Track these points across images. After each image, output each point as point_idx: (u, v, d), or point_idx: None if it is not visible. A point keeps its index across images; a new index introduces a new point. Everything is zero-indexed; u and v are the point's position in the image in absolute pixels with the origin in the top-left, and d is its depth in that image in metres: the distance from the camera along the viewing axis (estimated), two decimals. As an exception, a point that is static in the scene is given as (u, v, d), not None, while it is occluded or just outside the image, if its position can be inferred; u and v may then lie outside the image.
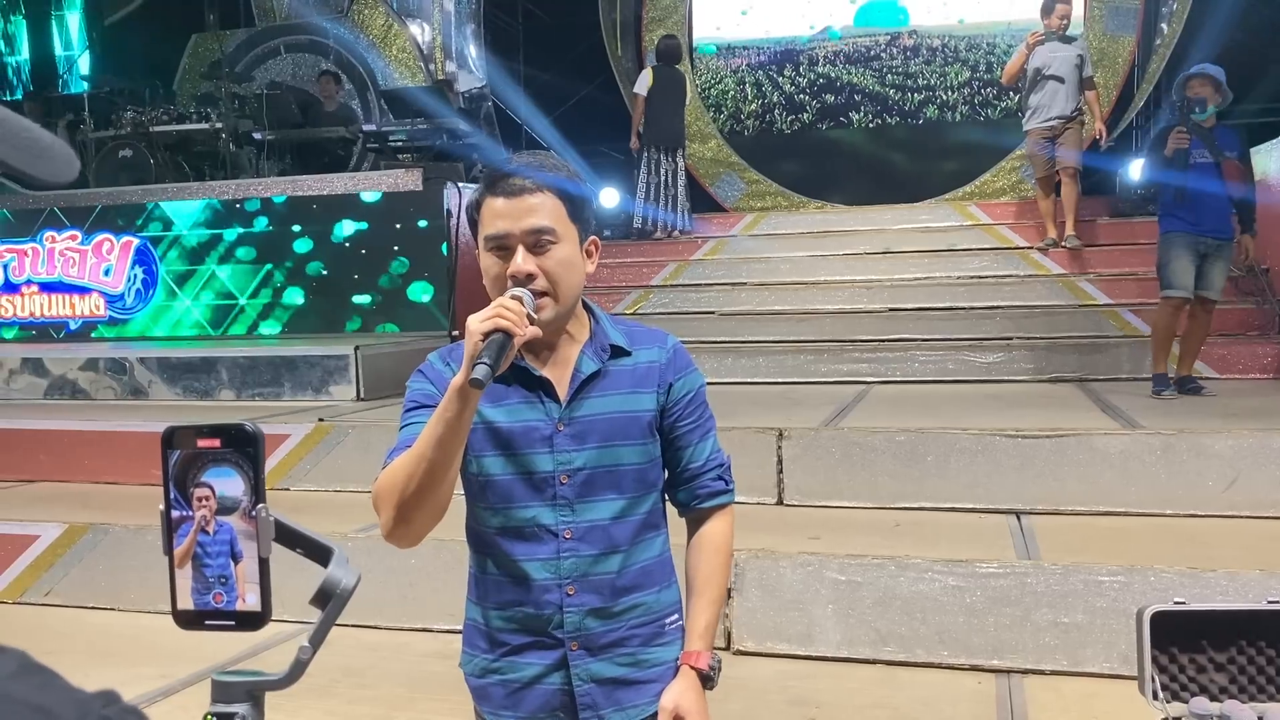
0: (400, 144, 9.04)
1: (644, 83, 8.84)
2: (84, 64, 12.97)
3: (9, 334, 8.44)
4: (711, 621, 1.70)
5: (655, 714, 1.66)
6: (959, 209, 8.95)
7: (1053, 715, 3.15)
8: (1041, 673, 3.45)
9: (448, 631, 3.99)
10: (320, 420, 5.45)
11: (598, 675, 1.64)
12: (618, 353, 1.67)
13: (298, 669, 1.04)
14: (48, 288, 8.33)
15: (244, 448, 0.98)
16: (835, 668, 3.59)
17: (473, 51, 11.17)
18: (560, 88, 11.00)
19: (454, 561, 4.10)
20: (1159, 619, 2.09)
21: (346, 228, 7.64)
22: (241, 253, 7.88)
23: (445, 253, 7.40)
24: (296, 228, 7.76)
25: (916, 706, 3.26)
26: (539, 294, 1.54)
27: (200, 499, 0.99)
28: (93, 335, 8.20)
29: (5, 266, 8.42)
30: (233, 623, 1.02)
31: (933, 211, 9.05)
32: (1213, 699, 2.06)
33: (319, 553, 1.05)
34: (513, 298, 1.48)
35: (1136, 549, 3.73)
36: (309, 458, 5.31)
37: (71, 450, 5.73)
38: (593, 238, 1.66)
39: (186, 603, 1.02)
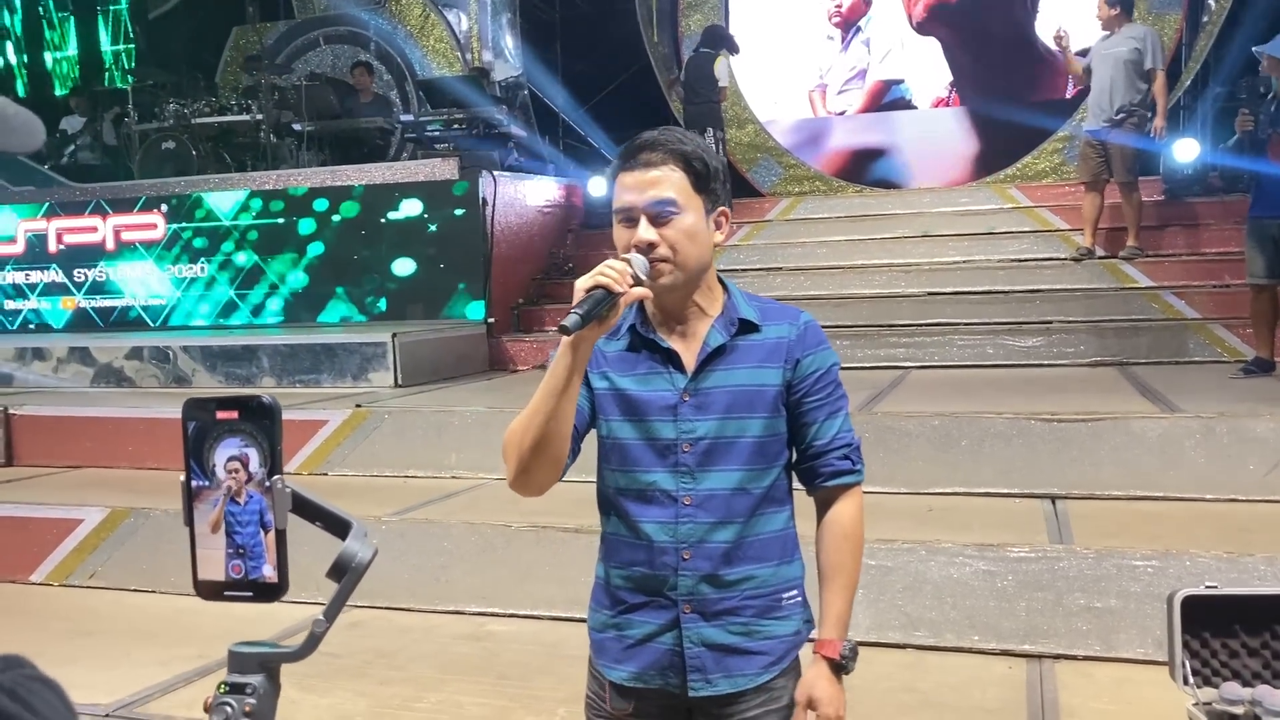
0: (437, 134, 9.09)
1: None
2: (128, 58, 13.19)
3: (57, 323, 8.63)
4: (843, 609, 1.73)
5: (763, 684, 1.70)
6: (999, 191, 8.84)
7: (1083, 700, 3.13)
8: (1073, 658, 3.42)
9: (479, 614, 4.04)
10: (358, 406, 5.52)
11: (709, 640, 1.69)
12: (747, 328, 1.72)
13: (312, 642, 1.06)
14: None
15: (260, 420, 1.00)
16: (864, 652, 3.50)
17: (509, 41, 11.17)
18: (597, 75, 10.96)
19: (485, 545, 4.14)
20: (1190, 603, 2.07)
21: (386, 216, 7.72)
22: (280, 241, 7.99)
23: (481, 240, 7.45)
24: (336, 218, 7.84)
25: (946, 691, 3.25)
26: (661, 260, 1.61)
27: (231, 470, 1.01)
28: (137, 323, 8.36)
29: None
30: (250, 594, 1.04)
31: (972, 194, 8.95)
32: (1245, 684, 2.04)
33: (337, 526, 1.06)
34: (622, 259, 1.56)
35: (1173, 534, 3.68)
36: (347, 443, 5.38)
37: (115, 436, 5.85)
38: (722, 209, 1.72)
39: (207, 573, 1.05)
